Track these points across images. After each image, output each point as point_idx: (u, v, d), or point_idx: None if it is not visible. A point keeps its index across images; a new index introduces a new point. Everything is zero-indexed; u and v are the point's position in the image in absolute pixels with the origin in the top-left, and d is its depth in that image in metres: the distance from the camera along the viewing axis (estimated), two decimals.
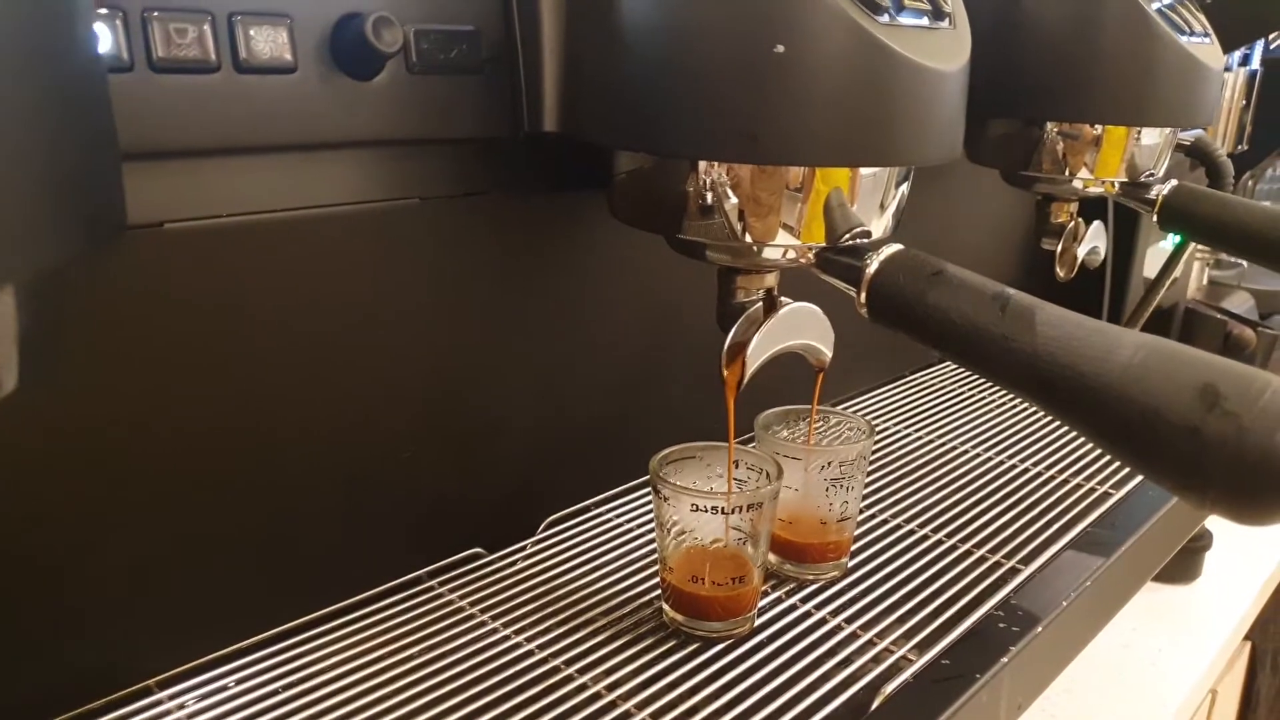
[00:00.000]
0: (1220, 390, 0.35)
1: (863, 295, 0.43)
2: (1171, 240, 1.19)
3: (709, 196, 0.44)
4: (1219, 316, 1.32)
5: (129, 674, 0.45)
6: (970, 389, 0.88)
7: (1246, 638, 1.02)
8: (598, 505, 0.63)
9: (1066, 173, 0.72)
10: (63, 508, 0.41)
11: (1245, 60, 1.35)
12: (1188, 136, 0.92)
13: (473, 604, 0.53)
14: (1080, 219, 0.79)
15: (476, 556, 0.57)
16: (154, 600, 0.45)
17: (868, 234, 0.46)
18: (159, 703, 0.44)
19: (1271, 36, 1.35)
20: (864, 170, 0.45)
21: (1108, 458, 0.73)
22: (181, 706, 0.44)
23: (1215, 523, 0.94)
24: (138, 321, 0.41)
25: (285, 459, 0.48)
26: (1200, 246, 1.38)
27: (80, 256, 0.22)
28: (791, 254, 0.46)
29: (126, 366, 0.41)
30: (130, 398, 0.42)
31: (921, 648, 0.50)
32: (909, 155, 0.43)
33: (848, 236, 0.45)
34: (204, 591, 0.47)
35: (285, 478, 0.48)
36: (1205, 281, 1.48)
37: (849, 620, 0.52)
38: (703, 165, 0.43)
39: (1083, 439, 0.76)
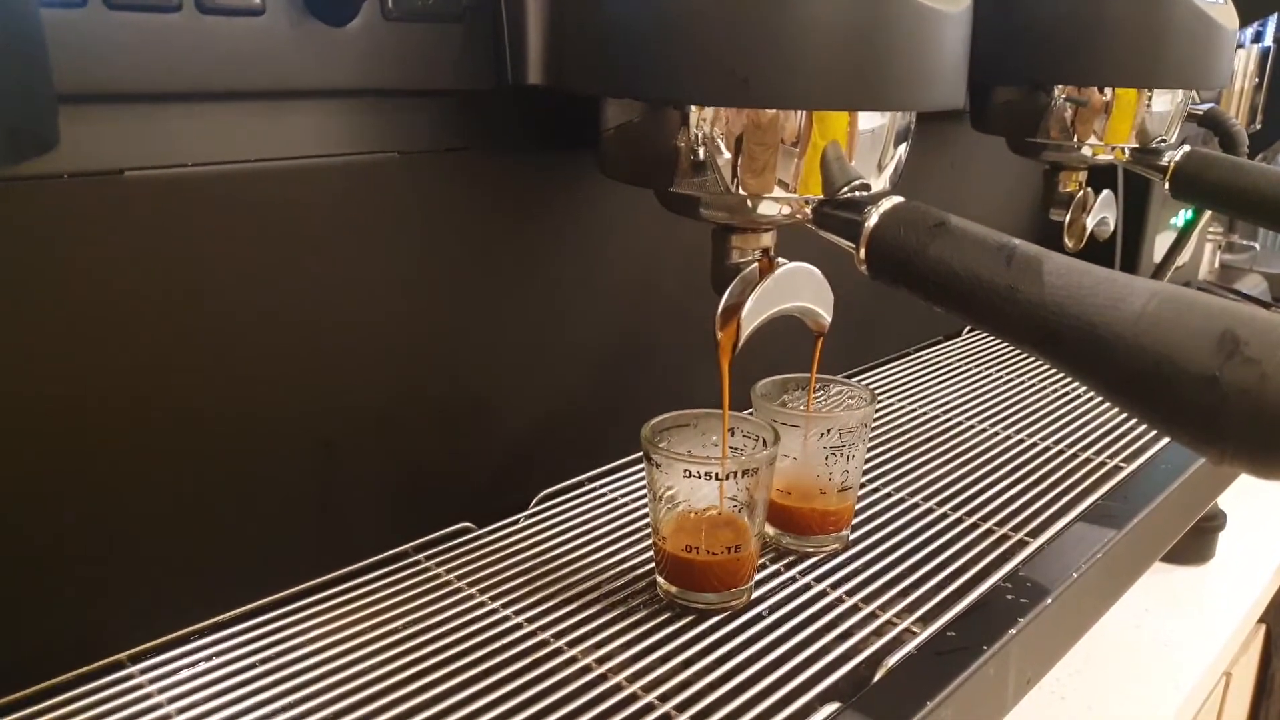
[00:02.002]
0: (1240, 336, 0.33)
1: (862, 250, 0.42)
2: (1183, 219, 1.16)
3: (701, 149, 0.42)
4: (1231, 298, 1.29)
5: (100, 647, 0.43)
6: (975, 364, 0.86)
7: (1261, 620, 1.00)
8: (592, 480, 0.61)
9: (1075, 140, 0.70)
10: (28, 476, 0.40)
11: (1258, 37, 1.33)
12: (1200, 107, 0.89)
13: (461, 578, 0.51)
14: (1089, 188, 0.77)
15: (465, 531, 0.55)
16: (127, 572, 0.43)
17: (866, 187, 0.44)
18: (131, 677, 0.43)
19: None
20: (862, 125, 0.43)
21: (1117, 432, 0.71)
22: (155, 681, 0.43)
23: (1229, 502, 0.92)
24: (96, 275, 0.39)
25: (261, 427, 0.46)
26: (1212, 229, 1.36)
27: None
28: (787, 209, 0.44)
29: (84, 325, 0.39)
30: (91, 360, 0.40)
31: (926, 620, 0.48)
32: (908, 100, 0.41)
33: (846, 190, 0.43)
34: (180, 563, 0.45)
35: (263, 447, 0.46)
36: (1217, 264, 1.46)
37: (850, 593, 0.50)
38: (694, 114, 0.42)
39: (1090, 413, 0.75)
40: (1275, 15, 1.32)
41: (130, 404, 0.41)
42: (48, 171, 0.35)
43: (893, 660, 0.45)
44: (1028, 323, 0.38)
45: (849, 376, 0.82)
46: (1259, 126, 1.34)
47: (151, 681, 0.42)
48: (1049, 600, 0.49)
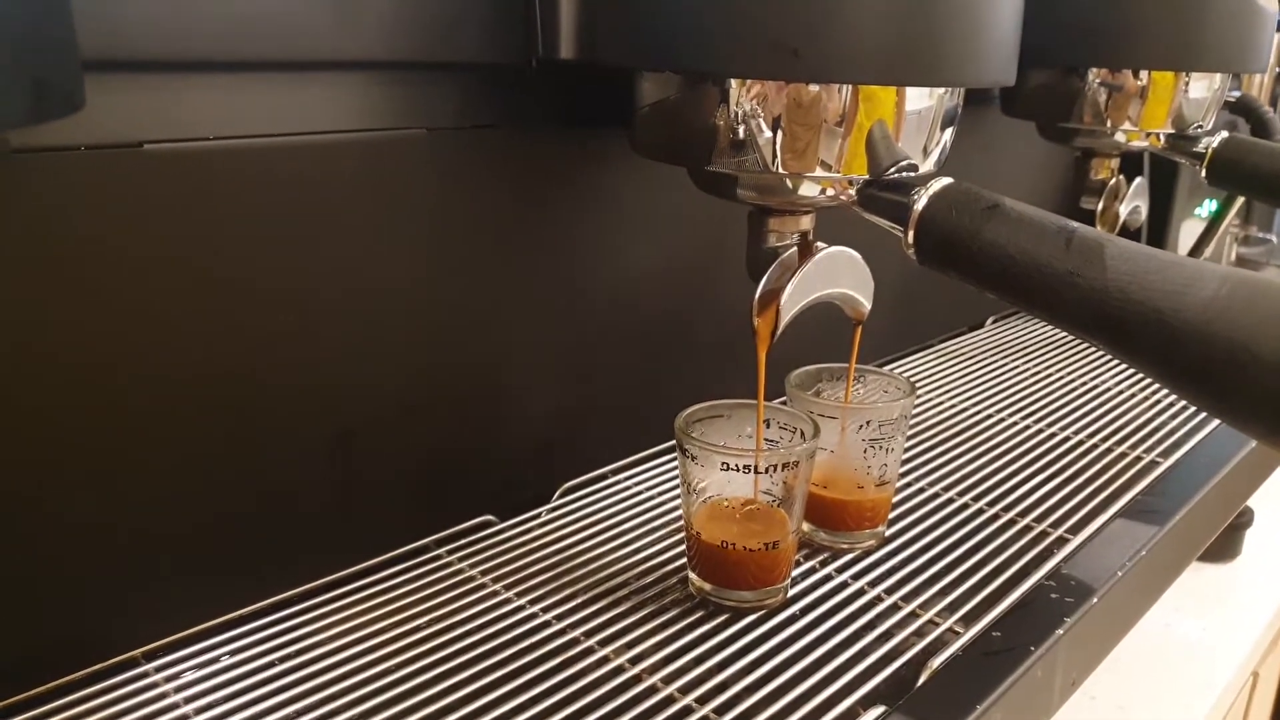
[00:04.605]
0: None
1: (911, 234, 0.40)
2: (1207, 210, 1.15)
3: (741, 127, 0.41)
4: None
5: (113, 644, 0.41)
6: (1002, 355, 0.84)
7: None
8: (618, 472, 0.60)
9: (1109, 125, 0.68)
10: (35, 463, 0.38)
11: (1278, 25, 1.31)
12: (1231, 94, 0.88)
13: (484, 573, 0.49)
14: (1121, 175, 0.75)
15: (487, 524, 0.53)
16: (141, 567, 0.42)
17: (914, 167, 0.42)
18: (145, 674, 0.41)
19: None
20: (910, 105, 0.41)
21: (1152, 425, 0.69)
22: (170, 680, 0.41)
23: (1256, 499, 0.90)
24: (110, 252, 0.37)
25: (277, 413, 0.44)
26: (1231, 222, 1.34)
27: (23, 123, 0.19)
28: (830, 190, 0.43)
29: (97, 304, 0.37)
30: (103, 343, 0.38)
31: (968, 620, 0.46)
32: (963, 75, 0.40)
33: (892, 170, 0.41)
34: (196, 558, 0.43)
35: (279, 434, 0.44)
36: (1234, 257, 1.44)
37: (889, 591, 0.48)
38: (735, 89, 0.40)
39: (1122, 406, 0.73)
40: None
41: (145, 390, 0.40)
42: (65, 143, 0.33)
43: (937, 662, 0.43)
44: (1089, 309, 0.36)
45: (877, 368, 0.80)
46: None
47: (167, 680, 0.41)
48: (1094, 599, 0.48)
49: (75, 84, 0.22)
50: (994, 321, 0.93)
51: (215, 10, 0.35)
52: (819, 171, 0.41)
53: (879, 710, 0.40)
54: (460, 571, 0.49)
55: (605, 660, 0.43)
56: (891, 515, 0.55)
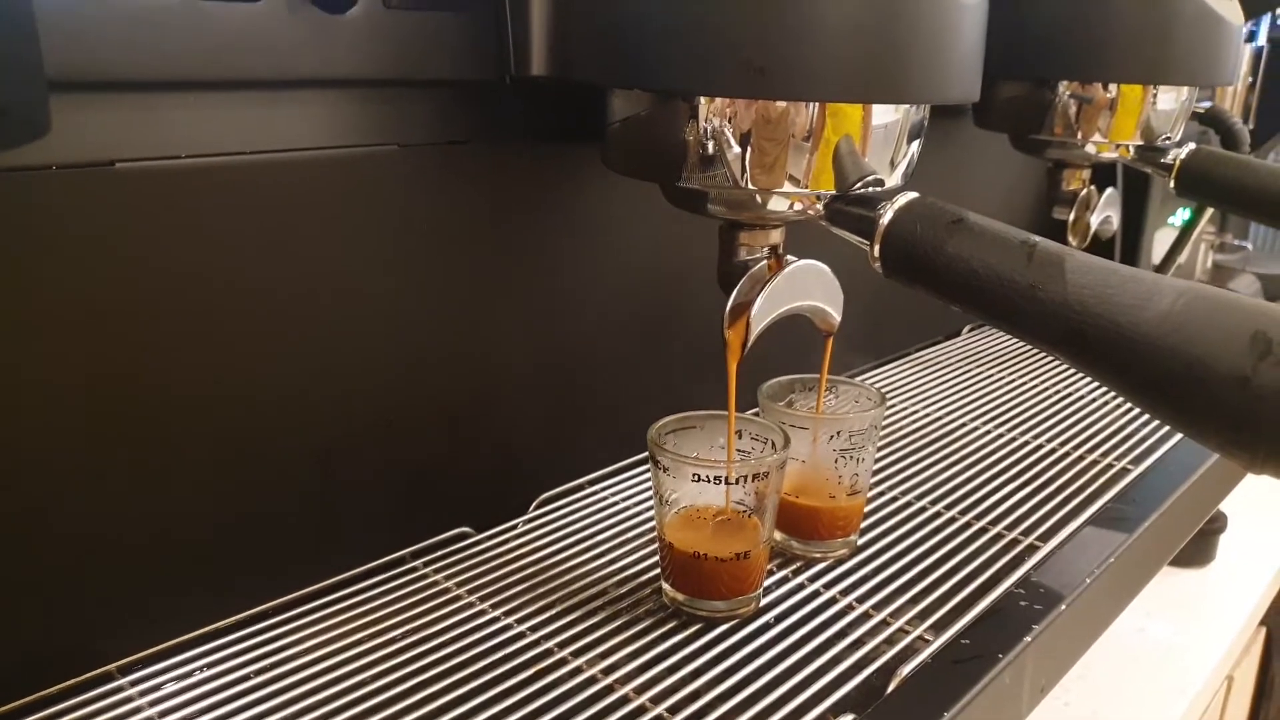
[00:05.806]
0: (1272, 337, 0.32)
1: (876, 248, 0.40)
2: (1180, 218, 1.16)
3: (711, 143, 0.41)
4: None
5: (88, 658, 0.41)
6: (976, 365, 0.85)
7: (1262, 623, 0.99)
8: (593, 483, 0.60)
9: (1079, 137, 0.69)
10: (6, 481, 0.38)
11: (1250, 37, 1.33)
12: (1201, 105, 0.89)
13: (460, 585, 0.49)
14: (1093, 186, 0.76)
15: (463, 536, 0.54)
16: (115, 579, 0.42)
17: (880, 182, 0.43)
18: (120, 689, 0.41)
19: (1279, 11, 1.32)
20: (876, 120, 0.42)
21: (1123, 433, 0.70)
22: (145, 694, 0.41)
23: (1230, 505, 0.91)
24: (83, 273, 0.37)
25: (252, 426, 0.44)
26: (1206, 229, 1.36)
27: None
28: (798, 205, 0.43)
29: (70, 327, 0.37)
30: (76, 365, 0.38)
31: (938, 627, 0.47)
32: (928, 92, 0.40)
33: (859, 185, 0.42)
34: (170, 570, 0.43)
35: (254, 448, 0.45)
36: (1210, 265, 1.45)
37: (860, 600, 0.49)
38: (704, 106, 0.40)
39: (1094, 415, 0.74)
40: (1268, 15, 1.32)
41: (118, 408, 0.40)
42: (35, 163, 0.34)
43: (906, 669, 0.43)
44: (1050, 322, 0.37)
45: (849, 378, 0.81)
46: (1252, 126, 1.34)
47: (142, 694, 0.41)
48: (1063, 606, 0.48)
49: (41, 109, 0.22)
50: (970, 331, 0.94)
51: (187, 29, 0.35)
52: (787, 187, 0.42)
53: (849, 717, 0.41)
54: (436, 584, 0.50)
55: (578, 671, 0.43)
56: (864, 524, 0.55)
